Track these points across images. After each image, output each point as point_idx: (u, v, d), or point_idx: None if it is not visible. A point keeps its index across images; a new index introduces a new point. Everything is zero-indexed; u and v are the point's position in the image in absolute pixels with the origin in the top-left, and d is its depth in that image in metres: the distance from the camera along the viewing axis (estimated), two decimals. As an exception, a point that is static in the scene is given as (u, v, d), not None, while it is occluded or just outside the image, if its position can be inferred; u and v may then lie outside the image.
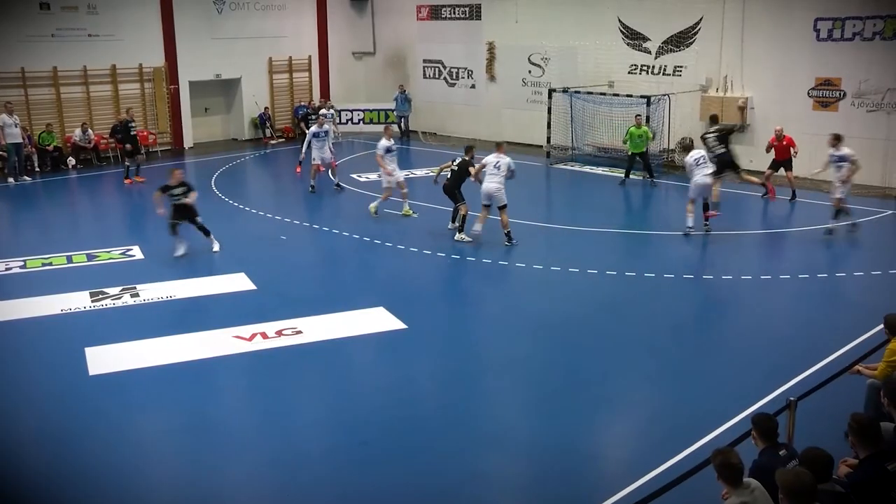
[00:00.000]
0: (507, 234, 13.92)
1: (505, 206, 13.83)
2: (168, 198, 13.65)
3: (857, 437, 5.59)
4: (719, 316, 10.98)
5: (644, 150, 18.86)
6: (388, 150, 15.91)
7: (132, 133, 20.16)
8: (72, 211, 18.54)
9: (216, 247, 13.93)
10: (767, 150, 17.20)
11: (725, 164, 14.67)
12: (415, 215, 15.95)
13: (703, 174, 14.29)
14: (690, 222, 14.46)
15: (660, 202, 18.29)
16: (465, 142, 15.16)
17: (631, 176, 19.06)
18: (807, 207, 16.44)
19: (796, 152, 16.78)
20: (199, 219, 13.88)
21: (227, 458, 7.60)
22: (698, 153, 14.60)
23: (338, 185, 18.56)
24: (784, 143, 16.86)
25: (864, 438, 5.55)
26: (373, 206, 16.03)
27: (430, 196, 16.24)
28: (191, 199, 13.63)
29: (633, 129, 18.81)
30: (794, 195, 16.81)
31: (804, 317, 10.97)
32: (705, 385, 8.88)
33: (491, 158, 13.99)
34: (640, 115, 19.14)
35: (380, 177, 16.56)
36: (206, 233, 13.92)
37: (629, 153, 18.98)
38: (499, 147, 14.33)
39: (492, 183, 13.79)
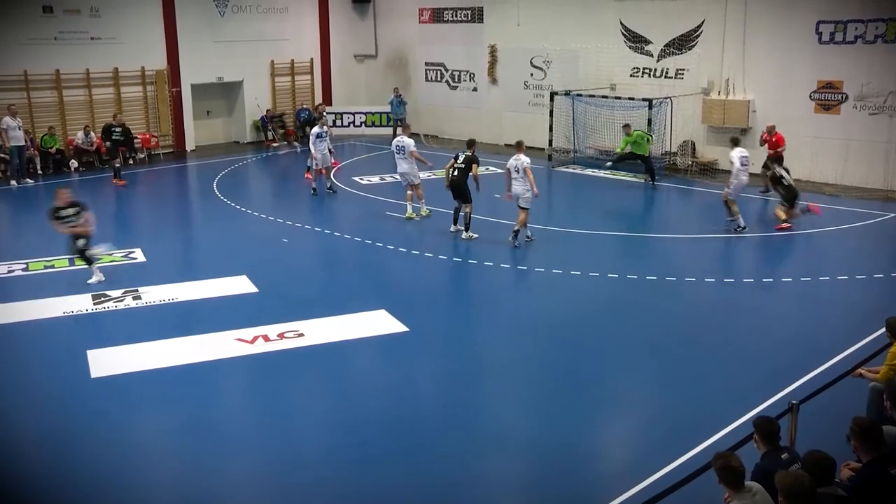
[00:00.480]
0: (515, 234, 13.97)
1: (527, 209, 13.92)
2: (59, 221, 12.32)
3: (860, 441, 5.58)
4: (721, 318, 10.96)
5: (647, 153, 18.83)
6: None
7: (114, 137, 20.02)
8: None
9: (95, 279, 12.34)
10: (761, 145, 17.45)
11: (795, 197, 14.71)
12: (417, 218, 15.96)
13: (746, 174, 14.54)
14: (742, 221, 14.62)
15: (661, 205, 18.27)
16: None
17: (615, 174, 18.99)
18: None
19: (783, 149, 16.90)
20: (83, 241, 12.32)
21: (228, 460, 7.62)
22: (745, 152, 14.71)
23: (329, 187, 18.60)
24: (774, 139, 17.04)
25: (866, 442, 5.54)
26: (419, 210, 16.02)
27: (431, 198, 16.25)
28: (84, 221, 12.28)
29: (626, 138, 18.84)
30: (767, 190, 16.95)
31: (806, 320, 10.96)
32: (706, 387, 8.87)
33: (511, 162, 14.06)
34: (628, 125, 19.10)
35: (404, 177, 16.27)
36: (89, 262, 12.42)
37: (630, 151, 19.01)
38: (518, 147, 14.36)
39: (517, 186, 13.91)
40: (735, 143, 15.10)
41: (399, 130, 17.40)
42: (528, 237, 14.22)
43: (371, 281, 12.98)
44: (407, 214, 15.99)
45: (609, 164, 19.31)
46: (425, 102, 26.80)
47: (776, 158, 16.39)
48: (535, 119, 23.14)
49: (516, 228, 13.95)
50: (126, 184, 19.89)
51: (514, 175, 13.97)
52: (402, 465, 7.39)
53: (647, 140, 18.86)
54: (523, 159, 13.92)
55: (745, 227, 14.65)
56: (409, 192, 16.12)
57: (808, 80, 18.67)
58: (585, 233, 15.13)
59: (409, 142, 15.99)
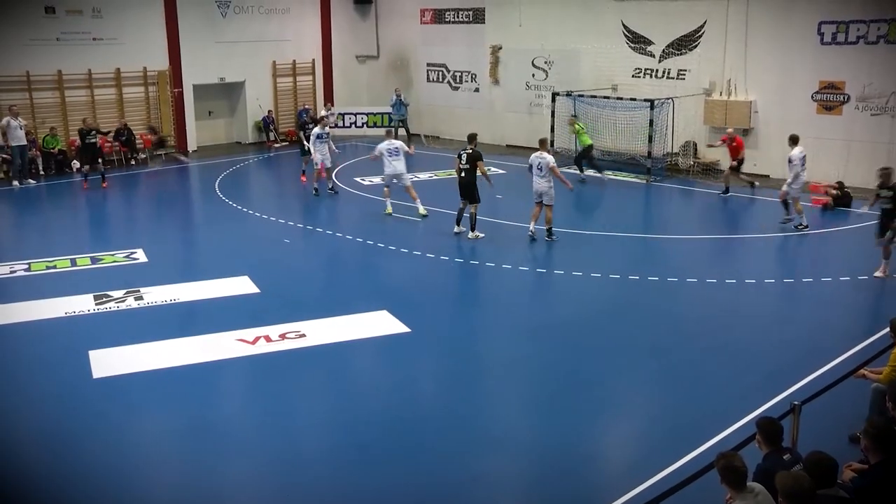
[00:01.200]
0: (549, 230, 14.15)
1: (551, 206, 14.09)
2: None
3: (872, 442, 5.53)
4: (722, 319, 10.94)
5: (588, 144, 19.56)
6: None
7: (87, 141, 19.50)
8: (75, 214, 18.56)
9: None
10: (718, 145, 18.53)
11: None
12: (424, 213, 16.01)
13: (805, 172, 14.66)
14: (805, 220, 14.74)
15: (663, 206, 18.28)
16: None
17: (617, 175, 19.42)
18: (808, 211, 16.37)
19: (743, 153, 17.77)
20: None
21: (229, 460, 7.61)
22: (804, 150, 14.76)
23: (331, 188, 18.60)
24: (734, 144, 17.70)
25: (878, 443, 5.50)
26: (418, 208, 16.17)
27: (430, 199, 16.25)
28: None
29: (579, 127, 19.77)
30: (727, 191, 17.89)
31: (808, 320, 10.94)
32: (708, 388, 8.86)
33: (534, 159, 14.12)
34: (574, 116, 20.16)
35: (398, 178, 16.42)
36: None
37: (583, 146, 19.75)
38: (542, 145, 14.46)
39: (540, 184, 14.00)
40: (794, 141, 14.91)
41: (386, 133, 17.64)
42: (531, 232, 14.24)
43: (373, 281, 12.97)
44: (420, 211, 16.02)
45: (603, 171, 19.57)
46: (427, 103, 26.80)
47: (740, 161, 17.74)
48: (537, 120, 23.15)
49: (548, 227, 14.13)
50: (87, 188, 19.48)
51: (535, 172, 13.99)
52: (403, 465, 7.39)
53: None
54: (548, 158, 14.02)
55: (807, 226, 14.76)
56: (386, 190, 16.42)
57: (809, 80, 18.65)
58: (587, 233, 15.12)
59: (401, 143, 16.44)
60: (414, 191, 16.20)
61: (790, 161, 14.66)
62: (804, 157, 14.66)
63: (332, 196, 18.39)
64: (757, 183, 18.14)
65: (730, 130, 18.26)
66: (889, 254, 12.11)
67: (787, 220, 14.94)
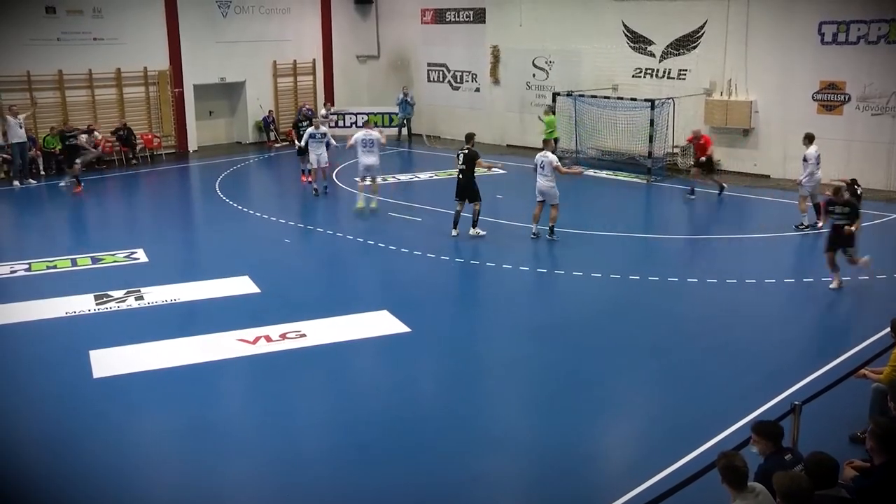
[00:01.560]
0: (551, 228, 14.24)
1: (556, 205, 14.23)
2: None
3: (878, 442, 5.50)
4: (723, 319, 10.93)
5: (554, 138, 20.01)
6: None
7: (66, 143, 19.59)
8: (76, 214, 18.55)
9: None
10: (684, 145, 19.05)
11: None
12: (368, 209, 16.35)
13: (819, 171, 14.72)
14: (806, 220, 14.79)
15: (663, 206, 18.27)
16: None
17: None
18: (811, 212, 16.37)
19: (711, 152, 17.85)
20: None
21: (229, 460, 7.61)
22: (818, 150, 14.83)
23: (325, 188, 18.50)
24: (701, 142, 17.79)
25: (884, 444, 5.47)
26: (370, 202, 16.54)
27: (433, 199, 16.24)
28: None
29: (552, 118, 20.61)
30: (722, 189, 17.95)
31: (808, 320, 10.95)
32: (708, 388, 8.85)
33: (538, 158, 14.25)
34: (550, 106, 20.94)
35: (370, 170, 16.78)
36: None
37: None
38: (545, 144, 14.75)
39: (543, 183, 14.12)
40: (810, 140, 14.93)
41: (364, 123, 17.95)
42: (533, 234, 14.26)
43: (373, 281, 12.98)
44: (358, 205, 16.38)
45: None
46: (427, 103, 26.80)
47: (709, 159, 17.76)
48: (538, 119, 23.12)
49: (551, 225, 14.20)
50: (80, 191, 19.07)
51: (538, 171, 14.07)
52: (403, 465, 7.38)
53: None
54: (551, 157, 14.14)
55: (808, 226, 14.82)
56: (363, 184, 16.57)
57: (810, 80, 18.66)
58: (588, 233, 15.11)
59: (378, 135, 16.69)
60: (377, 186, 16.68)
61: (805, 160, 14.74)
62: (819, 155, 14.74)
63: (332, 196, 18.37)
64: (693, 197, 17.81)
65: (696, 130, 18.32)
66: (836, 265, 11.72)
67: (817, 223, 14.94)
